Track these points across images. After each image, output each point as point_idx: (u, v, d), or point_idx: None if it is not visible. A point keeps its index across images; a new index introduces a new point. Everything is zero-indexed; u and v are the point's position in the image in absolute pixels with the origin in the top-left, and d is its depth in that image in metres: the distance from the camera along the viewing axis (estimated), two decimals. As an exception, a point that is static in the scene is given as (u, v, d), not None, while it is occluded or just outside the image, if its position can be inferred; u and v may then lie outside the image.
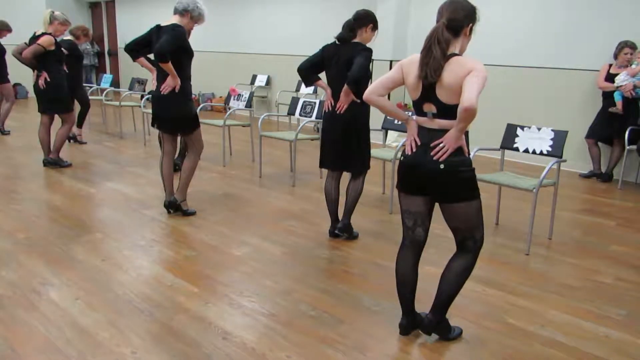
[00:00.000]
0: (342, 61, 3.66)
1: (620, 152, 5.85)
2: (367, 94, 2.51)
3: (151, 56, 4.66)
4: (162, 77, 4.10)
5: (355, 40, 3.69)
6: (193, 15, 4.11)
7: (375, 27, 3.73)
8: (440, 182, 2.39)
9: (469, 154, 2.41)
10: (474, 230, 2.48)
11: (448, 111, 2.33)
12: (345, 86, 3.60)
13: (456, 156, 2.35)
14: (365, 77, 3.58)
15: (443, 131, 2.36)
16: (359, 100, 3.64)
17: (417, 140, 2.44)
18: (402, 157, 2.51)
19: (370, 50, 3.65)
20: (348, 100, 3.66)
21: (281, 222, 4.35)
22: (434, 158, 2.35)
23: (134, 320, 2.77)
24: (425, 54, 2.33)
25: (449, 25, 2.32)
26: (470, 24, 2.36)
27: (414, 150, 2.44)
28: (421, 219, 2.53)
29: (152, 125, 4.34)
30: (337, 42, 3.75)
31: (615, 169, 5.97)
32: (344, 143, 3.79)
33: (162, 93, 4.09)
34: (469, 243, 2.50)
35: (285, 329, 2.72)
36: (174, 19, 4.08)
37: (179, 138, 4.61)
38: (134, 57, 4.32)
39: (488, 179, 3.99)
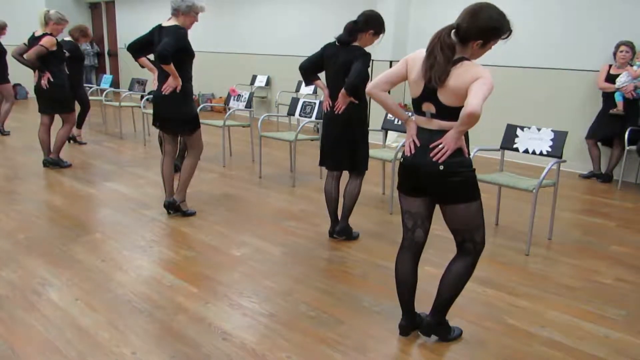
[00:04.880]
0: (340, 64, 3.66)
1: (620, 152, 5.85)
2: (370, 87, 2.49)
3: (151, 56, 4.67)
4: (163, 77, 4.11)
5: (355, 43, 3.67)
6: (184, 12, 4.07)
7: (376, 32, 3.67)
8: (440, 183, 2.39)
9: (468, 155, 2.41)
10: (474, 232, 2.47)
11: (447, 112, 2.33)
12: (343, 89, 3.60)
13: (456, 157, 2.34)
14: (362, 83, 3.57)
15: (442, 132, 2.35)
16: (357, 101, 3.64)
17: (417, 141, 2.43)
18: (402, 159, 2.50)
19: (368, 55, 3.63)
20: (346, 101, 3.66)
21: (281, 223, 4.35)
22: (434, 159, 2.35)
23: (134, 321, 2.77)
24: (428, 58, 2.30)
25: (458, 31, 2.28)
26: (481, 41, 2.28)
27: (413, 151, 2.43)
28: (421, 220, 2.53)
29: (154, 125, 4.35)
30: (337, 43, 3.75)
31: (615, 169, 5.97)
32: (342, 143, 3.79)
33: (163, 93, 4.10)
34: (469, 245, 2.49)
35: (285, 329, 2.72)
36: (173, 21, 4.08)
37: (179, 138, 4.62)
38: (136, 57, 4.33)
39: (488, 180, 3.99)
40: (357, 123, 3.77)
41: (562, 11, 6.36)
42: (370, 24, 3.64)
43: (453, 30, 2.29)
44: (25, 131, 8.10)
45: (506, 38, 2.34)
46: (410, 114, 2.61)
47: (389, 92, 2.52)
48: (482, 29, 2.26)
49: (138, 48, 4.25)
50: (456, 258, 2.54)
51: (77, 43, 6.83)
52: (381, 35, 3.74)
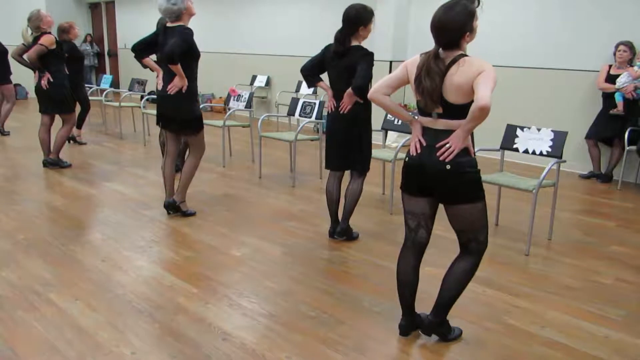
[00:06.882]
0: (343, 66, 3.64)
1: (620, 152, 5.85)
2: (372, 92, 2.50)
3: (153, 57, 4.66)
4: (169, 77, 4.11)
5: (353, 44, 3.65)
6: (182, 8, 4.00)
7: (366, 24, 3.61)
8: (446, 183, 2.38)
9: (474, 155, 2.40)
10: (478, 232, 2.46)
11: (454, 111, 2.32)
12: (349, 89, 3.59)
13: (462, 157, 2.33)
14: (368, 83, 3.56)
15: (448, 132, 2.34)
16: (361, 101, 3.63)
17: (422, 141, 2.42)
18: (407, 159, 2.49)
19: (371, 55, 3.62)
20: (351, 101, 3.65)
21: (281, 223, 4.35)
22: (440, 159, 2.34)
23: (134, 321, 2.77)
24: (418, 85, 2.33)
25: (444, 47, 2.30)
26: (468, 32, 2.29)
27: (419, 151, 2.43)
28: (425, 220, 2.52)
29: (157, 124, 4.35)
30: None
31: (615, 169, 5.97)
32: (346, 143, 3.78)
33: (169, 93, 4.10)
34: (472, 245, 2.49)
35: (285, 329, 2.72)
36: (177, 22, 4.07)
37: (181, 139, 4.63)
38: (140, 58, 4.33)
39: (488, 180, 3.98)
40: (362, 122, 3.76)
41: (562, 11, 6.36)
42: (356, 22, 3.60)
43: (439, 50, 2.31)
44: (25, 131, 8.10)
45: (479, 6, 2.33)
46: (412, 113, 2.61)
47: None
48: (462, 24, 2.27)
49: (143, 48, 4.26)
50: (459, 258, 2.54)
51: (73, 43, 6.82)
52: (372, 20, 3.66)
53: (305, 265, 3.54)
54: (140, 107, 7.55)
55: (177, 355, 2.48)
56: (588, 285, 3.35)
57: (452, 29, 2.27)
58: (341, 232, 3.95)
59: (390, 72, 2.53)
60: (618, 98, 5.69)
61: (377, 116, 4.34)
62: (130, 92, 8.33)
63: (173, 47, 3.87)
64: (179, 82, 4.07)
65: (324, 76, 3.88)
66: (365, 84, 3.52)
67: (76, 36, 6.83)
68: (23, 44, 6.15)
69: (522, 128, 4.20)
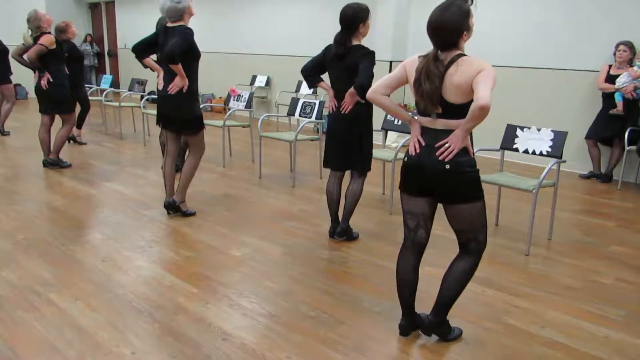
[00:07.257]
0: (345, 65, 3.64)
1: (620, 152, 5.85)
2: (371, 92, 2.50)
3: (154, 57, 4.66)
4: (169, 76, 4.11)
5: (354, 43, 3.66)
6: (184, 7, 4.02)
7: (364, 20, 3.62)
8: (446, 183, 2.38)
9: (474, 155, 2.40)
10: (477, 232, 2.46)
11: (453, 111, 2.32)
12: (352, 88, 3.59)
13: (461, 156, 2.33)
14: (371, 82, 3.56)
15: (448, 131, 2.34)
16: (363, 101, 3.63)
17: (422, 140, 2.42)
18: (406, 158, 2.49)
19: (372, 54, 3.62)
20: (353, 100, 3.64)
21: (281, 223, 4.35)
22: (439, 158, 2.34)
23: (134, 321, 2.77)
24: (417, 88, 2.33)
25: (442, 48, 2.30)
26: (465, 31, 2.30)
27: (418, 151, 2.43)
28: (424, 220, 2.52)
29: (157, 124, 4.36)
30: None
31: (615, 169, 5.97)
32: (346, 143, 3.78)
33: (169, 93, 4.10)
34: (472, 245, 2.49)
35: (285, 329, 2.72)
36: (177, 23, 4.07)
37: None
38: (141, 57, 4.33)
39: (488, 180, 3.99)
40: (363, 122, 3.76)
41: (562, 11, 6.36)
42: (355, 20, 3.61)
43: (438, 52, 2.31)
44: (25, 131, 8.10)
45: (472, 4, 2.33)
46: (411, 113, 2.61)
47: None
48: (459, 24, 2.28)
49: (143, 49, 4.28)
50: (459, 258, 2.54)
51: (72, 42, 6.81)
52: (370, 16, 3.67)
53: (305, 265, 3.54)
54: (140, 107, 7.55)
55: (177, 355, 2.48)
56: (588, 285, 3.35)
57: (450, 30, 2.28)
58: (341, 232, 3.95)
59: (390, 72, 2.52)
60: (618, 98, 5.70)
61: (377, 116, 4.34)
62: (130, 92, 8.33)
63: (174, 47, 3.88)
64: (179, 82, 4.07)
65: (325, 76, 3.88)
66: (368, 83, 3.52)
67: (74, 34, 6.81)
68: (23, 43, 6.15)
69: (522, 128, 4.20)
